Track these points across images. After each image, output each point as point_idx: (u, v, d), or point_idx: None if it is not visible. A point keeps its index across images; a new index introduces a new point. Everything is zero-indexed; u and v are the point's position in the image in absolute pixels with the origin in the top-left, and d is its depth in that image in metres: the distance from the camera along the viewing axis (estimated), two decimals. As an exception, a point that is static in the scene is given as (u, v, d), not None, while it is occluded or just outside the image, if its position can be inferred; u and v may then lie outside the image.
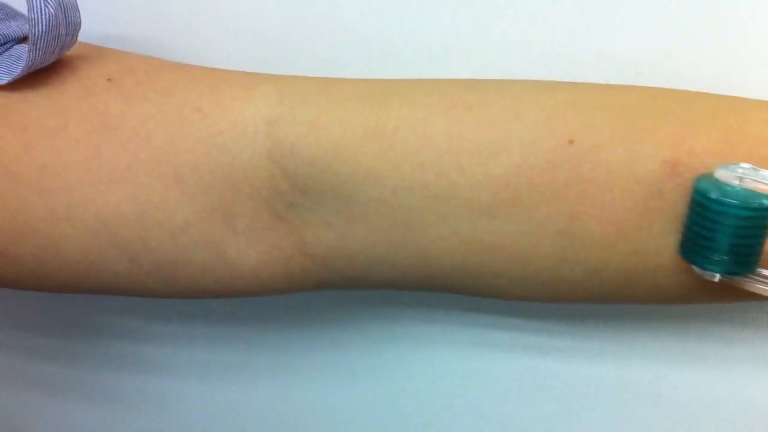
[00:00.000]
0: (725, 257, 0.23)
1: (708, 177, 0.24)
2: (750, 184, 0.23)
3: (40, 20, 0.27)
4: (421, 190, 0.26)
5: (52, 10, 0.27)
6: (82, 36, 0.29)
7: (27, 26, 0.27)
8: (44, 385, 0.46)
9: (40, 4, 0.27)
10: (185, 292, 0.30)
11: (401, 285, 0.29)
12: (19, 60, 0.28)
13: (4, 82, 0.28)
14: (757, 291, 0.24)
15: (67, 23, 0.28)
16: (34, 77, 0.28)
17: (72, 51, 0.29)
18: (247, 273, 0.29)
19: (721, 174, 0.23)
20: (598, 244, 0.25)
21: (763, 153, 0.25)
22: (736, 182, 0.23)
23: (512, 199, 0.25)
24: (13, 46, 0.29)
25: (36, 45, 0.27)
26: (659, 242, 0.25)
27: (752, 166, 0.23)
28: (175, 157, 0.27)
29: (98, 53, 0.30)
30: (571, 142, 0.25)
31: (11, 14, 0.30)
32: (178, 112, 0.28)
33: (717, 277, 0.24)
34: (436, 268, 0.28)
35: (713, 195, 0.23)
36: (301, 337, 0.41)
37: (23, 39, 0.29)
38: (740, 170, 0.23)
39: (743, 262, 0.24)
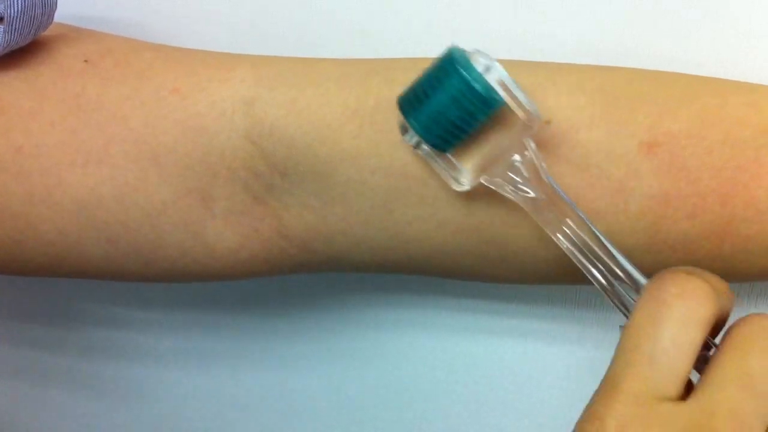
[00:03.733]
0: (429, 123, 0.23)
1: (465, 52, 0.24)
2: (491, 78, 0.23)
3: (14, 0, 0.26)
4: (400, 170, 0.26)
5: (26, -11, 0.27)
6: (59, 17, 0.29)
7: (1, 6, 0.27)
8: (24, 372, 0.46)
9: (15, -17, 0.26)
10: (163, 275, 0.30)
11: (381, 267, 0.29)
12: (-6, 41, 0.28)
13: (-21, 63, 0.28)
14: (439, 172, 0.25)
15: (43, 3, 0.28)
16: (10, 58, 0.28)
17: (48, 32, 0.29)
18: (225, 255, 0.29)
19: (478, 58, 0.23)
20: None
21: (741, 134, 0.25)
22: (482, 69, 0.23)
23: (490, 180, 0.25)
24: (-12, 27, 0.29)
25: (11, 25, 0.27)
26: (634, 223, 0.25)
27: (508, 75, 0.23)
28: (152, 138, 0.27)
29: (75, 34, 0.30)
30: (548, 122, 0.25)
31: (-13, -5, 0.30)
32: (156, 93, 0.27)
33: (414, 140, 0.24)
34: (415, 250, 0.28)
35: (458, 59, 0.23)
36: (284, 324, 0.41)
37: (-2, 20, 0.29)
38: (496, 67, 0.23)
39: (440, 137, 0.24)
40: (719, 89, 0.26)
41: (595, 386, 0.37)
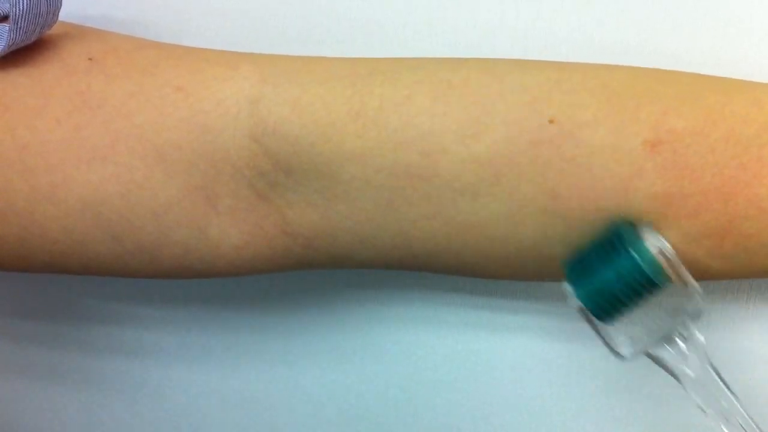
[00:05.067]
0: (593, 292, 0.25)
1: (633, 227, 0.25)
2: (662, 261, 0.24)
3: (20, -1, 0.27)
4: (404, 170, 0.26)
5: (32, -12, 0.27)
6: (63, 15, 0.29)
7: (7, 5, 0.27)
8: (25, 369, 0.46)
9: (20, -18, 0.26)
10: (168, 272, 0.30)
11: (384, 265, 0.29)
12: (-1, 39, 0.28)
13: (-15, 61, 0.28)
14: (602, 339, 0.26)
15: (48, 2, 0.28)
16: (15, 56, 0.28)
17: (53, 30, 0.29)
18: (229, 253, 0.29)
19: (647, 235, 0.25)
20: (578, 223, 0.26)
21: (745, 132, 0.25)
22: (654, 250, 0.24)
23: (494, 179, 0.25)
24: (-7, 25, 0.29)
25: (17, 24, 0.27)
26: (638, 221, 0.25)
27: (676, 255, 0.24)
28: (157, 136, 0.27)
29: (79, 32, 0.30)
30: (552, 121, 0.25)
31: (-9, -7, 0.30)
32: (160, 91, 0.27)
33: (576, 303, 0.25)
34: (419, 248, 0.28)
35: (624, 236, 0.24)
36: (284, 319, 0.41)
37: (3, 18, 0.29)
38: (667, 247, 0.24)
39: (603, 308, 0.25)
40: (723, 87, 0.26)
41: (596, 383, 0.37)
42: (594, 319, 0.25)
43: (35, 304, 0.44)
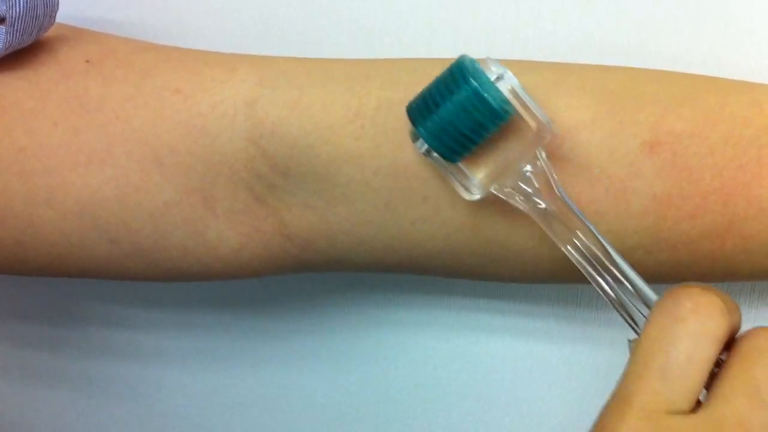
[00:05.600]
0: (439, 133, 0.23)
1: (476, 60, 0.23)
2: (502, 87, 0.23)
3: (17, 1, 0.26)
4: (402, 171, 0.26)
5: (28, -10, 0.27)
6: (61, 17, 0.29)
7: (4, 7, 0.27)
8: (23, 371, 0.46)
9: (17, -16, 0.26)
10: (166, 275, 0.30)
11: (383, 267, 0.29)
12: (-4, 42, 0.28)
13: (-19, 63, 0.28)
14: (449, 181, 0.25)
15: (45, 4, 0.28)
16: (12, 59, 0.28)
17: (50, 32, 0.29)
18: (227, 255, 0.29)
19: (489, 65, 0.23)
20: (577, 225, 0.25)
21: (743, 133, 0.25)
22: (493, 77, 0.23)
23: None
24: (-11, 27, 0.29)
25: (13, 26, 0.27)
26: (636, 223, 0.25)
27: (520, 84, 0.23)
28: (154, 138, 0.27)
29: (77, 35, 0.30)
30: (551, 122, 0.25)
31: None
32: (158, 93, 0.27)
33: (424, 148, 0.24)
34: (418, 250, 0.28)
35: (468, 68, 0.23)
36: (284, 323, 0.41)
37: (0, 20, 0.29)
38: (507, 75, 0.23)
39: (448, 145, 0.23)
40: (721, 88, 0.26)
41: (596, 386, 0.37)
42: (440, 158, 0.24)
43: (33, 306, 0.44)
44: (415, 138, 0.24)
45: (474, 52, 0.32)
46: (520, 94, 0.23)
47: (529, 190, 0.24)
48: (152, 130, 0.27)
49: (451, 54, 0.32)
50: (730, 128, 0.25)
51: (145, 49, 0.30)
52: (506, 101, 0.23)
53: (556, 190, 0.24)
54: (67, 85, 0.28)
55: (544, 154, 0.24)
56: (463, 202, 0.26)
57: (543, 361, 0.37)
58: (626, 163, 0.25)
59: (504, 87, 0.23)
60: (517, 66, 0.27)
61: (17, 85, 0.28)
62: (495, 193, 0.24)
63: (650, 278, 0.24)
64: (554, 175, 0.24)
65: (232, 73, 0.28)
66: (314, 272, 0.31)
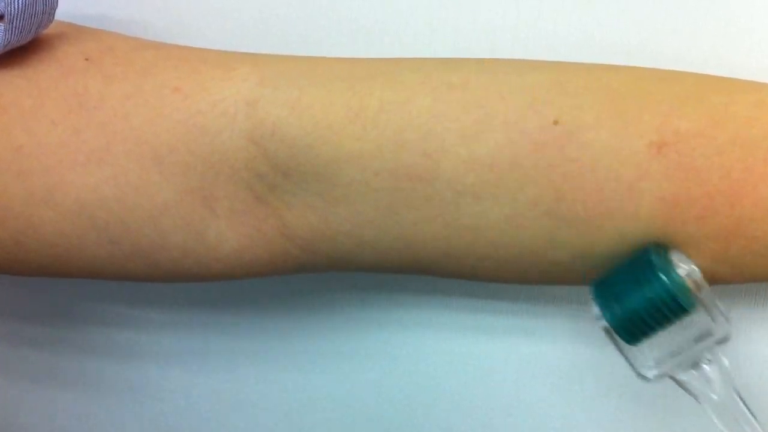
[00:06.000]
0: (622, 317, 0.25)
1: (661, 248, 0.25)
2: (688, 283, 0.24)
3: (15, -2, 0.26)
4: (404, 171, 0.26)
5: (27, -13, 0.26)
6: (60, 15, 0.29)
7: (2, 4, 0.26)
8: (23, 372, 0.45)
9: (15, -19, 0.26)
10: (166, 275, 0.29)
11: (384, 268, 0.29)
12: (-6, 39, 0.28)
13: (-20, 61, 0.27)
14: (625, 359, 0.26)
15: (44, 1, 0.28)
16: (10, 57, 0.28)
17: (49, 30, 0.29)
18: (227, 256, 0.28)
19: (675, 257, 0.25)
20: (583, 226, 0.25)
21: (749, 134, 0.24)
22: (682, 273, 0.24)
23: (496, 181, 0.25)
24: (-12, 25, 0.28)
25: (12, 24, 0.27)
26: (644, 225, 0.25)
27: (702, 278, 0.24)
28: (154, 137, 0.27)
29: (76, 32, 0.30)
30: (556, 122, 0.25)
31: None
32: (158, 92, 0.27)
33: (603, 324, 0.25)
34: (420, 251, 0.27)
35: (655, 261, 0.24)
36: (285, 323, 0.40)
37: (-1, 18, 0.29)
38: (696, 273, 0.24)
39: (630, 332, 0.25)
40: (728, 88, 0.26)
41: (600, 387, 0.36)
42: (620, 340, 0.25)
43: (32, 307, 0.44)
44: (598, 318, 0.26)
45: (475, 53, 0.32)
46: (703, 291, 0.24)
47: (704, 380, 0.25)
48: (152, 128, 0.27)
49: (454, 53, 0.32)
50: (737, 128, 0.24)
51: (145, 47, 0.29)
52: (692, 297, 0.24)
53: (732, 390, 0.25)
54: (67, 83, 0.28)
55: (724, 359, 0.25)
56: (468, 203, 0.25)
57: (547, 362, 0.37)
58: (633, 164, 0.24)
59: (689, 281, 0.24)
60: (519, 65, 0.27)
61: (15, 83, 0.28)
62: (670, 376, 0.25)
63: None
64: (732, 377, 0.25)
65: (233, 72, 0.27)
66: (315, 273, 0.31)
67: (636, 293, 0.24)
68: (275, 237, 0.28)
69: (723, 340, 0.25)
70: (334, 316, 0.40)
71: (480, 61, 0.27)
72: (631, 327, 0.25)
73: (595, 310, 0.26)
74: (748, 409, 0.25)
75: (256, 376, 0.42)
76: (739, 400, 0.25)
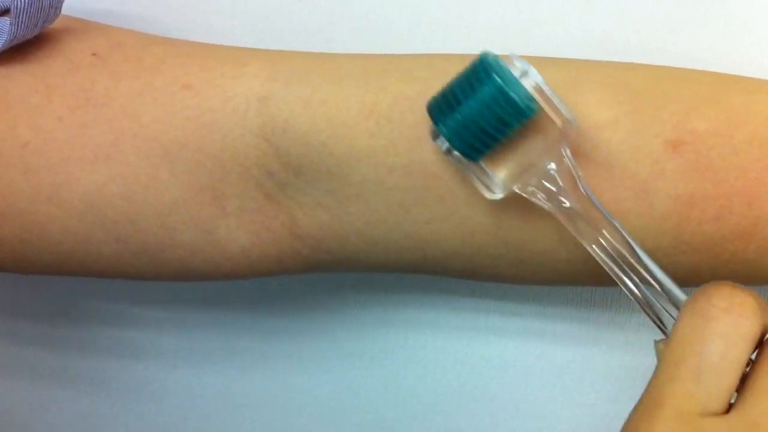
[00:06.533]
0: (461, 131, 0.23)
1: (500, 57, 0.23)
2: (527, 85, 0.22)
3: (22, -8, 0.26)
4: (418, 169, 0.25)
5: (34, -19, 0.26)
6: (67, 10, 0.28)
7: (8, -2, 0.26)
8: (27, 371, 0.45)
9: (22, -26, 0.26)
10: (173, 274, 0.29)
11: (395, 267, 0.29)
12: (0, 33, 0.27)
13: (-15, 56, 0.27)
14: (470, 180, 0.24)
15: (51, -5, 0.27)
16: (17, 52, 0.27)
17: (56, 25, 0.28)
18: (236, 254, 0.28)
19: (514, 62, 0.23)
20: (598, 225, 0.25)
21: (767, 134, 0.24)
22: (518, 74, 0.22)
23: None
24: (-6, 19, 0.28)
25: (18, 18, 0.26)
26: (659, 224, 0.25)
27: (543, 80, 0.23)
28: (163, 135, 0.26)
29: (84, 27, 0.29)
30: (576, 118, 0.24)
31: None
32: (167, 89, 0.27)
33: (445, 146, 0.23)
34: (432, 250, 0.27)
35: (492, 64, 0.22)
36: (291, 322, 0.40)
37: (4, 12, 0.28)
38: (531, 71, 0.23)
39: (469, 144, 0.23)
40: (745, 88, 0.25)
41: (609, 389, 0.36)
42: (461, 157, 0.23)
43: (37, 305, 0.43)
44: (435, 136, 0.24)
45: (489, 48, 0.31)
46: (545, 91, 0.23)
47: (553, 188, 0.24)
48: (161, 126, 0.26)
49: (467, 50, 0.31)
50: (755, 128, 0.24)
51: (154, 42, 0.29)
52: (531, 98, 0.22)
53: (581, 188, 0.23)
54: (74, 79, 0.27)
55: (569, 152, 0.23)
56: (481, 201, 0.25)
57: (555, 364, 0.37)
58: (649, 163, 0.24)
59: (528, 84, 0.22)
60: (536, 62, 0.27)
61: (22, 79, 0.27)
62: (518, 191, 0.24)
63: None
64: (579, 172, 0.23)
65: (244, 68, 0.27)
66: (325, 272, 0.30)
67: (471, 99, 0.22)
68: (285, 236, 0.28)
69: (565, 137, 0.23)
70: (339, 316, 0.39)
71: (495, 58, 0.27)
72: (469, 137, 0.23)
73: (433, 129, 0.24)
74: (602, 209, 0.23)
75: (260, 375, 0.42)
76: (591, 198, 0.23)
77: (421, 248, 0.27)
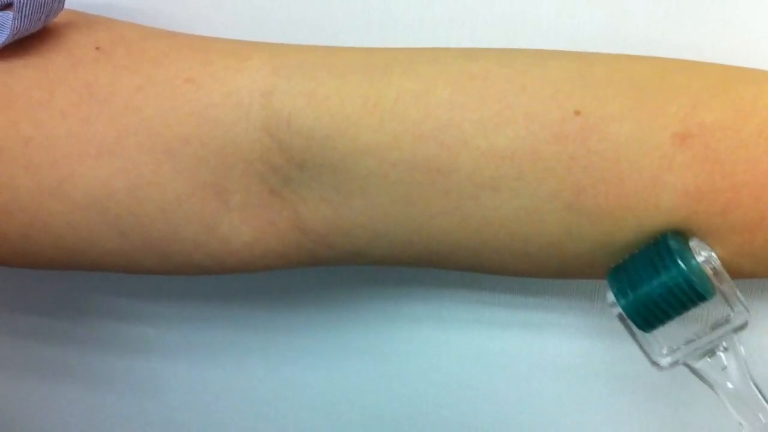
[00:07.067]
0: (637, 302, 0.24)
1: (682, 239, 0.24)
2: (707, 270, 0.24)
3: (24, -14, 0.26)
4: (422, 164, 0.25)
5: (36, -26, 0.26)
6: (69, 3, 0.28)
7: (11, -8, 0.26)
8: (29, 366, 0.45)
9: (24, -32, 0.26)
10: (177, 269, 0.29)
11: (399, 261, 0.29)
12: (2, 28, 0.27)
13: (-12, 51, 0.27)
14: (639, 346, 0.26)
15: (53, -11, 0.27)
16: (19, 46, 0.27)
17: (59, 19, 0.28)
18: (240, 249, 0.28)
19: (694, 244, 0.24)
20: (603, 219, 0.25)
21: None
22: (701, 259, 0.24)
23: (516, 173, 0.25)
24: (-4, 13, 0.28)
25: (21, 12, 0.26)
26: (667, 218, 0.25)
27: (721, 264, 0.24)
28: (166, 129, 0.26)
29: (86, 21, 0.29)
30: (577, 113, 0.24)
31: (-6, -20, 0.29)
32: (170, 83, 0.27)
33: (617, 310, 0.25)
34: (436, 244, 0.27)
35: (673, 247, 0.24)
36: (294, 317, 0.40)
37: (7, 6, 0.28)
38: (714, 259, 0.24)
39: (646, 318, 0.24)
40: (754, 80, 0.25)
41: (614, 382, 0.36)
42: (634, 327, 0.25)
43: (40, 300, 0.43)
44: (612, 305, 0.25)
45: (495, 42, 0.31)
46: (722, 278, 0.24)
47: (719, 367, 0.25)
48: (164, 121, 0.26)
49: (471, 43, 0.31)
50: (763, 120, 0.24)
51: (157, 36, 0.29)
52: (711, 284, 0.24)
53: (749, 378, 0.25)
54: (76, 73, 0.27)
55: (741, 347, 0.25)
56: (487, 195, 0.25)
57: (559, 357, 0.37)
58: (656, 157, 0.24)
59: (708, 267, 0.24)
60: (540, 55, 0.27)
61: (24, 73, 0.27)
62: (684, 364, 0.25)
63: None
64: (748, 365, 0.25)
65: (247, 62, 0.27)
66: (328, 266, 0.30)
67: (653, 279, 0.24)
68: (289, 230, 0.27)
69: (740, 328, 0.24)
70: (342, 311, 0.39)
71: (500, 52, 0.27)
72: (647, 314, 0.24)
73: (610, 296, 0.25)
74: (765, 399, 0.24)
75: (263, 370, 0.42)
76: (755, 388, 0.24)
77: (425, 242, 0.27)
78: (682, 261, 0.23)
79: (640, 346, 0.25)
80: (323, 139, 0.26)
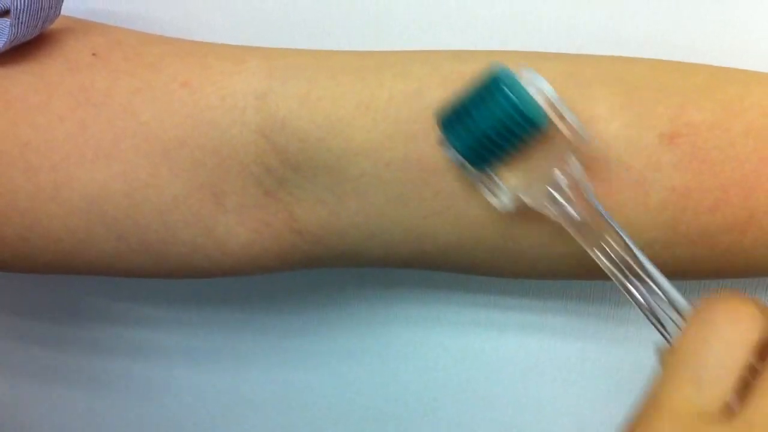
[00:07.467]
0: (472, 142, 0.23)
1: (510, 69, 0.23)
2: (539, 99, 0.23)
3: (22, -8, 0.26)
4: (415, 163, 0.25)
5: (34, -19, 0.26)
6: (66, 10, 0.28)
7: (8, -1, 0.26)
8: (29, 369, 0.45)
9: (22, -25, 0.26)
10: (175, 271, 0.29)
11: (394, 262, 0.29)
12: (0, 35, 0.27)
13: (-14, 57, 0.27)
14: (479, 189, 0.24)
15: (50, -4, 0.27)
16: (17, 52, 0.28)
17: (56, 25, 0.28)
18: (236, 251, 0.28)
19: (523, 73, 0.23)
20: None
21: (764, 124, 0.24)
22: (528, 86, 0.23)
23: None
24: (-6, 20, 0.28)
25: (18, 18, 0.26)
26: (655, 216, 0.25)
27: (555, 92, 0.23)
28: (162, 133, 0.27)
29: (83, 27, 0.30)
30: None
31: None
32: (166, 87, 0.27)
33: (452, 153, 0.24)
34: (430, 244, 0.27)
35: (502, 77, 0.23)
36: (292, 320, 0.40)
37: (4, 13, 0.28)
38: (542, 83, 0.23)
39: (482, 156, 0.23)
40: (742, 79, 0.25)
41: (609, 383, 0.36)
42: (470, 166, 0.24)
43: (38, 303, 0.43)
44: (444, 146, 0.24)
45: (486, 44, 0.32)
46: (555, 102, 0.23)
47: (560, 197, 0.24)
48: (160, 124, 0.27)
49: (463, 45, 0.32)
50: (751, 120, 0.24)
51: (153, 41, 0.29)
52: (541, 110, 0.23)
53: (587, 197, 0.24)
54: (74, 78, 0.27)
55: (577, 163, 0.24)
56: (478, 196, 0.25)
57: (555, 358, 0.37)
58: (644, 156, 0.24)
59: (539, 96, 0.23)
60: (531, 57, 0.27)
61: (22, 79, 0.27)
62: (525, 201, 0.24)
63: (668, 273, 0.23)
64: (586, 183, 0.24)
65: (242, 65, 0.27)
66: (325, 267, 0.30)
67: (480, 110, 0.23)
68: (284, 232, 0.28)
69: (574, 148, 0.23)
70: (340, 314, 0.40)
71: (491, 53, 0.27)
72: (480, 149, 0.23)
73: (442, 138, 0.24)
74: (613, 222, 0.24)
75: (262, 373, 0.42)
76: (602, 212, 0.24)
77: (419, 242, 0.27)
78: (509, 88, 0.22)
79: (483, 189, 0.24)
80: (317, 140, 0.26)
